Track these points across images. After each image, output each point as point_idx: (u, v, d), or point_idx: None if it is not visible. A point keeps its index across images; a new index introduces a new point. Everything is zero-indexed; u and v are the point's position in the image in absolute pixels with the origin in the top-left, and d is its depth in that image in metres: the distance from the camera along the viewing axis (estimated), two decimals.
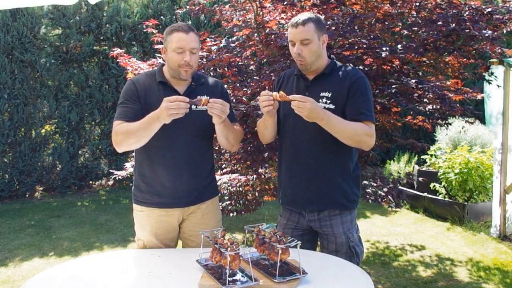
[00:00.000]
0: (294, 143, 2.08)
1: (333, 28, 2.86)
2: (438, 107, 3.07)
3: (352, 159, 2.11)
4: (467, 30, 2.84)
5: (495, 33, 2.89)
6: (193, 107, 2.06)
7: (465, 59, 3.17)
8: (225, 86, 2.77)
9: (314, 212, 2.10)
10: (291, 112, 1.98)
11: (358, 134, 1.95)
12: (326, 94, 2.03)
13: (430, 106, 3.15)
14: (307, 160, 2.07)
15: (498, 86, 3.99)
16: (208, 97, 1.89)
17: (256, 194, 3.67)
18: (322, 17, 2.09)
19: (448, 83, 3.31)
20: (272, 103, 1.93)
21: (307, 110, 1.84)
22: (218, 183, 3.20)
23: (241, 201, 3.68)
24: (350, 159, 2.10)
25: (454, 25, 2.85)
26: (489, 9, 2.90)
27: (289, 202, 2.17)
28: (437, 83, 3.05)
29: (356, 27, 2.99)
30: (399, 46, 2.89)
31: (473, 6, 2.96)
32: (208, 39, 3.44)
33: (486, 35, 2.80)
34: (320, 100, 2.02)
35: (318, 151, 2.04)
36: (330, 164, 2.05)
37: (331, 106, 2.01)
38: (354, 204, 2.12)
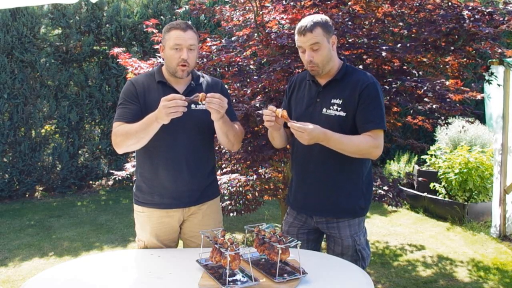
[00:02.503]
0: (305, 151, 2.06)
1: (333, 28, 2.86)
2: (438, 106, 3.07)
3: (365, 164, 2.09)
4: (467, 28, 2.83)
5: (496, 29, 2.88)
6: (193, 106, 2.06)
7: (465, 59, 3.17)
8: (225, 86, 2.77)
9: (322, 216, 2.10)
10: (302, 117, 1.97)
11: (361, 149, 1.93)
12: (337, 101, 2.00)
13: (430, 106, 3.15)
14: (317, 169, 2.05)
15: (499, 85, 3.99)
16: (205, 94, 1.88)
17: (256, 194, 3.67)
18: (328, 18, 2.04)
19: (447, 83, 3.31)
20: (273, 119, 1.91)
21: (306, 140, 1.84)
22: (218, 183, 3.21)
23: (241, 201, 3.68)
24: (362, 164, 2.07)
25: (454, 24, 2.85)
26: (489, 10, 2.90)
27: (299, 206, 2.16)
28: (437, 81, 3.05)
29: (355, 27, 2.99)
30: (398, 45, 2.89)
31: (473, 6, 2.96)
32: (208, 39, 3.44)
33: (486, 31, 2.79)
34: (331, 107, 2.00)
35: (328, 160, 2.01)
36: (341, 172, 2.04)
37: (342, 114, 1.98)
38: (365, 210, 2.10)
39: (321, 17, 2.00)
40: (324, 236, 2.21)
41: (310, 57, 1.97)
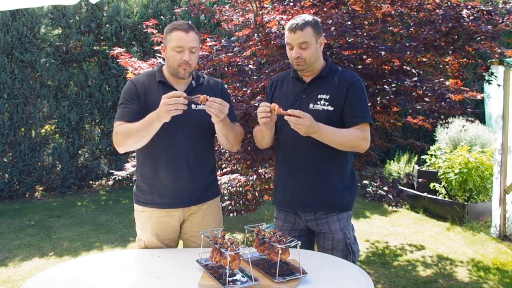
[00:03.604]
0: (293, 145, 2.09)
1: (333, 28, 2.86)
2: (438, 106, 3.07)
3: (349, 161, 2.15)
4: (466, 27, 2.83)
5: (495, 28, 2.88)
6: (193, 106, 2.06)
7: (464, 59, 3.17)
8: (225, 86, 2.77)
9: (311, 212, 2.11)
10: None
11: (351, 141, 2.00)
12: (324, 96, 2.05)
13: (429, 105, 3.15)
14: (306, 162, 2.07)
15: (498, 85, 3.99)
16: (207, 96, 1.89)
17: (256, 194, 3.67)
18: (319, 19, 2.12)
19: (447, 83, 3.31)
20: (269, 115, 1.93)
21: (305, 126, 1.85)
22: (218, 183, 3.21)
23: (241, 201, 3.67)
24: (346, 159, 2.12)
25: (453, 23, 2.85)
26: (488, 8, 2.90)
27: (287, 204, 2.17)
28: (436, 81, 3.05)
29: (355, 27, 2.99)
30: (397, 45, 2.89)
31: (472, 5, 2.96)
32: (208, 39, 3.44)
33: (485, 29, 2.80)
34: (318, 102, 2.04)
35: (316, 153, 2.04)
36: (328, 165, 2.07)
37: (330, 108, 2.03)
38: (351, 205, 2.14)
39: (312, 17, 2.07)
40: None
41: (298, 54, 2.02)
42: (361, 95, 2.06)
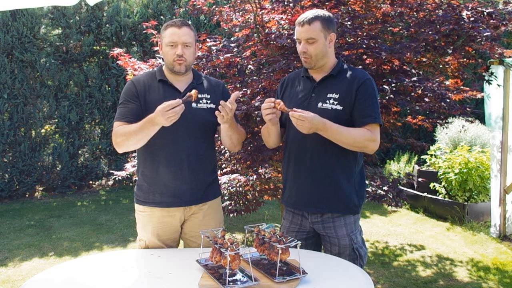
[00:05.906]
0: (300, 144, 2.07)
1: None
2: (438, 106, 3.07)
3: (358, 162, 2.10)
4: (466, 30, 2.83)
5: (495, 32, 2.88)
6: (194, 105, 2.07)
7: (465, 59, 3.16)
8: (226, 86, 2.77)
9: (317, 214, 2.09)
10: None
11: (359, 141, 1.96)
12: (334, 95, 2.02)
13: (429, 105, 3.15)
14: (312, 162, 2.05)
15: (498, 85, 4.00)
16: (196, 91, 1.91)
17: (256, 194, 3.67)
18: (331, 15, 2.08)
19: (447, 83, 3.31)
20: (274, 111, 1.93)
21: (306, 129, 1.86)
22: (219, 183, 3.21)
23: (241, 201, 3.67)
24: (355, 161, 2.09)
25: (453, 25, 2.85)
26: (489, 10, 2.89)
27: (293, 203, 2.16)
28: (436, 80, 3.04)
29: (355, 27, 2.99)
30: (397, 45, 2.89)
31: (472, 6, 2.95)
32: (208, 39, 3.44)
33: (485, 34, 2.79)
34: (327, 101, 2.02)
35: (323, 153, 2.03)
36: (335, 166, 2.04)
37: (339, 107, 2.00)
38: (359, 208, 2.10)
39: (324, 12, 2.03)
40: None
41: (304, 49, 2.01)
42: (371, 95, 2.01)
